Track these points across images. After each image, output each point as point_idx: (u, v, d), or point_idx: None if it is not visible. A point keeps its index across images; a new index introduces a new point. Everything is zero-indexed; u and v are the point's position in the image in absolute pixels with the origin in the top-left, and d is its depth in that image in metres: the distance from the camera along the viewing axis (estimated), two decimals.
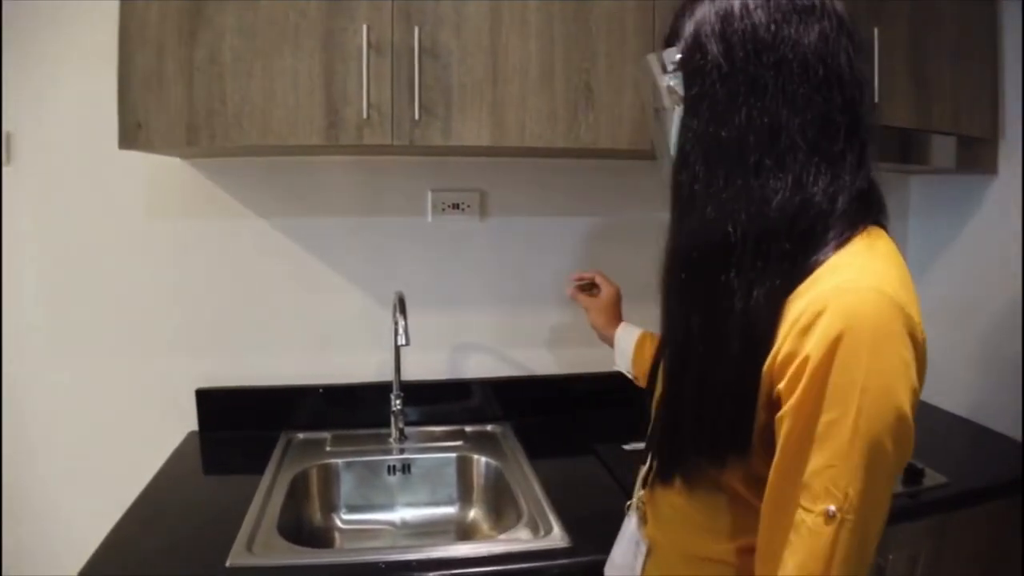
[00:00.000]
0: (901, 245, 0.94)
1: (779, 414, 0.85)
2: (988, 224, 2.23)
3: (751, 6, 0.89)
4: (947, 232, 2.35)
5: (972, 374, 2.25)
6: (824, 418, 0.82)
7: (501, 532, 1.59)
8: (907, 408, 0.82)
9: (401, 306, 1.79)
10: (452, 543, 1.75)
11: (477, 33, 1.66)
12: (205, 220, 2.01)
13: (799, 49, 0.88)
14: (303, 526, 1.75)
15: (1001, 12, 2.14)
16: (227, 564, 1.36)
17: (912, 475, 1.75)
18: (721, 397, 0.91)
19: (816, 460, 0.82)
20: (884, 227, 0.94)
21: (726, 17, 0.90)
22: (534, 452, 1.91)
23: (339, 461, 1.89)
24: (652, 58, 0.99)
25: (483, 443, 2.00)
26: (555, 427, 2.14)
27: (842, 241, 0.88)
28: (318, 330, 2.11)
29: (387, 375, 1.97)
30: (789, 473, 0.85)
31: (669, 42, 0.98)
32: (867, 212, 0.91)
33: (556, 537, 1.48)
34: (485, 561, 1.41)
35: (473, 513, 1.90)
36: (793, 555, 0.84)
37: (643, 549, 1.14)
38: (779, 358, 0.85)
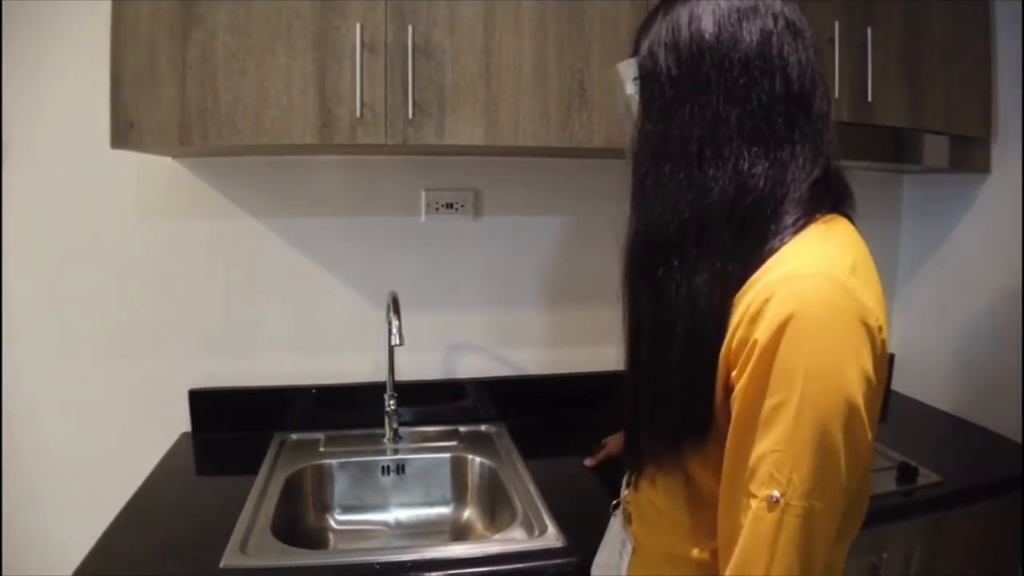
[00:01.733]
0: (894, 244, 0.95)
1: (731, 398, 0.87)
2: (981, 223, 2.23)
3: (697, 14, 0.94)
4: (940, 231, 2.36)
5: (965, 373, 2.26)
6: (769, 402, 0.83)
7: (496, 532, 1.59)
8: (856, 395, 0.82)
9: (395, 306, 1.79)
10: (447, 543, 1.75)
11: (471, 32, 1.66)
12: (198, 220, 2.00)
13: (739, 47, 0.92)
14: (297, 527, 1.74)
15: (994, 12, 2.14)
16: (221, 565, 1.35)
17: (906, 474, 1.76)
18: (672, 385, 0.94)
19: (761, 445, 0.84)
20: (848, 216, 0.96)
21: (675, 27, 0.95)
22: (528, 452, 1.91)
23: (333, 462, 1.88)
24: (618, 68, 1.06)
25: (477, 443, 2.00)
26: (549, 427, 2.13)
27: (796, 230, 0.89)
28: (311, 330, 2.10)
29: (381, 375, 1.96)
30: (738, 458, 0.87)
31: (632, 50, 1.04)
32: (823, 200, 0.93)
33: (551, 537, 1.48)
34: (480, 561, 1.41)
35: (468, 513, 1.90)
36: (741, 539, 0.86)
37: (628, 548, 1.15)
38: (733, 345, 0.87)
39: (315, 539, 1.79)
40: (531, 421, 2.14)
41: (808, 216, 0.90)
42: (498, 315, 2.21)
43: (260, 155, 1.98)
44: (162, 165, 1.95)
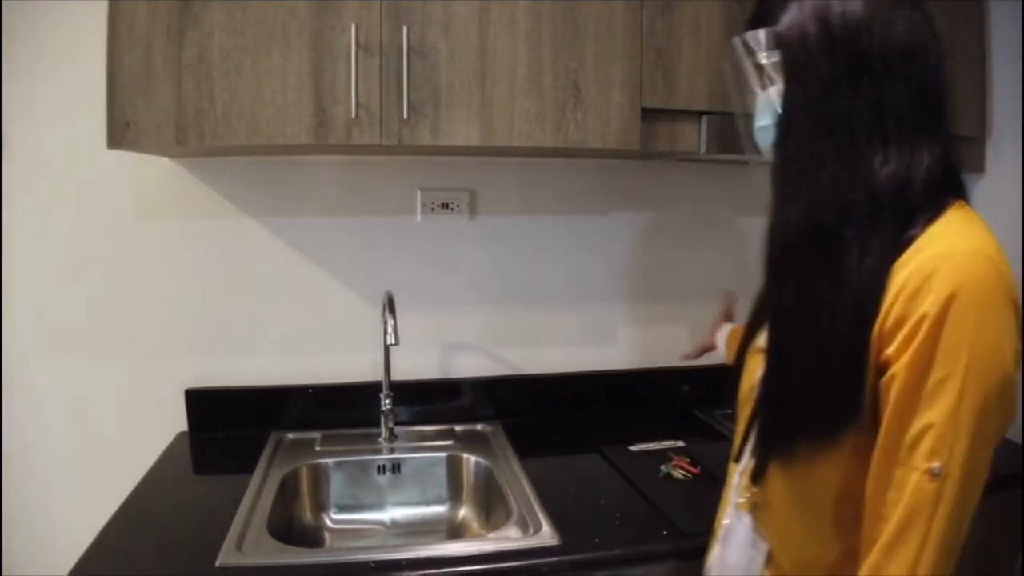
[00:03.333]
0: None
1: (889, 373, 0.89)
2: None
3: (843, 6, 0.95)
4: None
5: None
6: (933, 376, 0.86)
7: (491, 531, 1.59)
8: (1012, 368, 0.87)
9: (390, 305, 1.79)
10: (442, 542, 1.75)
11: (465, 33, 1.66)
12: (194, 220, 2.01)
13: (894, 33, 0.93)
14: (293, 526, 1.75)
15: (989, 11, 2.15)
16: (217, 564, 1.36)
17: None
18: (832, 368, 0.94)
19: (924, 418, 0.86)
20: (967, 203, 0.98)
21: (822, 23, 0.95)
22: (524, 451, 1.91)
23: (329, 461, 1.88)
24: (749, 37, 1.03)
25: (473, 442, 2.00)
26: (545, 427, 2.14)
27: (937, 213, 0.92)
28: (307, 330, 2.10)
29: (377, 375, 1.97)
30: (897, 432, 0.89)
31: (759, 23, 1.02)
32: (953, 189, 0.95)
33: (545, 535, 1.48)
34: (474, 560, 1.41)
35: (463, 512, 1.90)
36: (897, 512, 0.88)
37: (763, 548, 1.12)
38: (887, 324, 0.89)
39: (311, 538, 1.79)
40: (527, 420, 2.14)
41: (945, 201, 0.93)
42: (494, 315, 2.22)
43: (256, 155, 1.98)
44: (158, 165, 1.96)
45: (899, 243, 0.91)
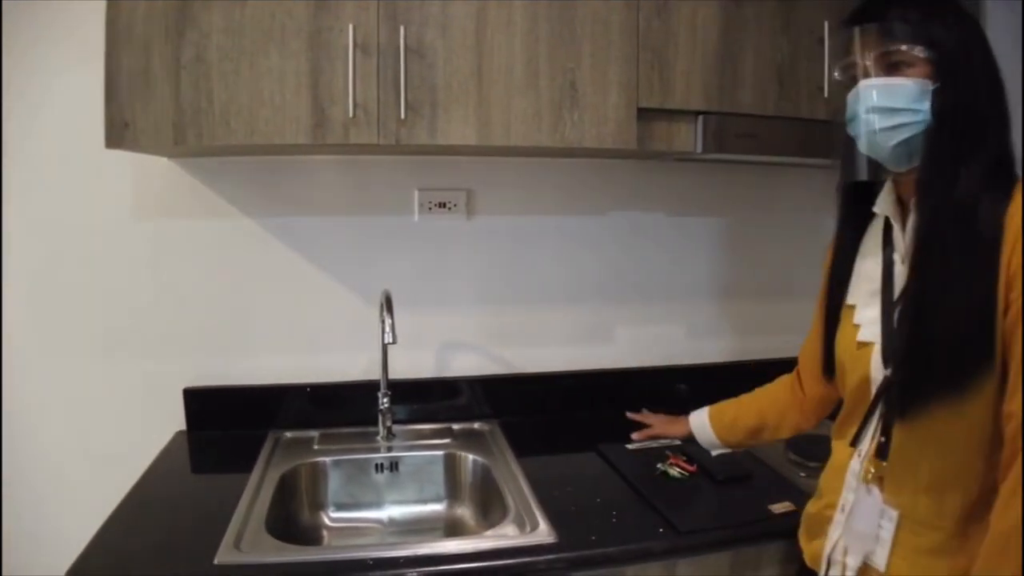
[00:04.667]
0: None
1: (1014, 310, 1.06)
2: None
3: (970, 20, 1.18)
4: None
5: None
6: None
7: (488, 529, 1.60)
8: None
9: (388, 305, 1.80)
10: (439, 540, 1.75)
11: (462, 33, 1.67)
12: (192, 219, 2.02)
13: (993, 64, 1.16)
14: (291, 524, 1.75)
15: (985, 12, 2.16)
16: (215, 562, 1.36)
17: None
18: (968, 314, 1.09)
19: None
20: None
21: (962, 23, 1.16)
22: (521, 450, 1.92)
23: (327, 459, 1.89)
24: (886, 27, 1.17)
25: (470, 441, 2.01)
26: (542, 425, 2.15)
27: (1013, 187, 1.11)
28: (305, 329, 2.11)
29: (374, 373, 1.97)
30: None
31: (903, 17, 1.16)
32: (1016, 169, 1.16)
33: (542, 533, 1.49)
34: (471, 557, 1.41)
35: (460, 510, 1.91)
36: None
37: (892, 515, 1.21)
38: (1011, 269, 1.06)
39: (309, 536, 1.80)
40: (524, 419, 2.15)
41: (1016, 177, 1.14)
42: (491, 313, 2.22)
43: (254, 155, 1.98)
44: (157, 164, 1.96)
45: (1004, 206, 1.08)
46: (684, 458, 1.80)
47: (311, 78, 1.61)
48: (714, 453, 1.75)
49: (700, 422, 1.73)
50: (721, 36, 1.83)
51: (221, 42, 1.58)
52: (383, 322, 1.78)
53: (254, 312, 2.08)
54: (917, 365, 1.15)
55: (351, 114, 1.61)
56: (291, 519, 1.77)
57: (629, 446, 1.92)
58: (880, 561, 1.21)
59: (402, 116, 1.63)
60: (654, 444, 1.90)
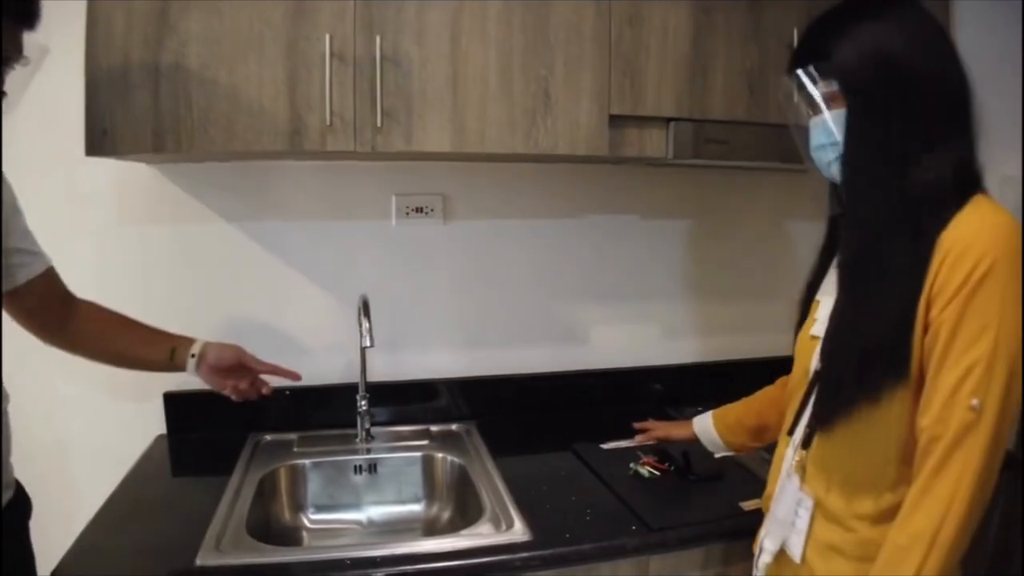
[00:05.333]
0: None
1: (935, 324, 1.07)
2: None
3: (896, 30, 1.13)
4: None
5: None
6: (975, 324, 1.04)
7: (466, 527, 1.62)
8: None
9: (365, 309, 1.82)
10: (416, 539, 1.77)
11: (438, 42, 1.70)
12: (173, 225, 2.03)
13: (931, 65, 1.12)
14: (271, 526, 1.77)
15: (954, 14, 2.20)
16: (196, 563, 1.38)
17: None
18: (884, 330, 1.12)
19: (965, 360, 1.04)
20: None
21: (880, 39, 1.13)
22: (498, 450, 1.94)
23: (306, 462, 1.91)
24: (803, 73, 1.20)
25: (448, 442, 2.03)
26: (518, 426, 2.17)
27: (965, 202, 1.10)
28: (285, 332, 2.13)
29: (353, 376, 1.99)
30: (942, 373, 1.06)
31: (818, 55, 1.17)
32: (975, 182, 1.14)
33: (517, 531, 1.51)
34: (448, 556, 1.44)
35: (439, 510, 1.93)
36: (942, 443, 1.05)
37: (808, 504, 1.25)
38: (935, 287, 1.07)
39: (289, 538, 1.81)
40: (501, 420, 2.18)
41: (971, 191, 1.11)
42: (468, 316, 2.25)
43: (233, 160, 2.00)
44: (137, 171, 1.97)
45: (940, 224, 1.08)
46: (656, 458, 1.83)
47: (288, 86, 1.63)
48: (718, 455, 1.77)
49: (704, 425, 1.74)
50: (692, 44, 1.86)
51: (200, 50, 1.59)
52: (361, 326, 1.80)
53: (233, 316, 2.09)
54: (831, 371, 1.20)
55: (328, 122, 1.63)
56: (271, 521, 1.79)
57: (604, 446, 1.95)
58: (795, 550, 1.26)
59: (378, 124, 1.66)
60: (629, 444, 1.92)
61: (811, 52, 1.19)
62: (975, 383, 1.03)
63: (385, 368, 2.10)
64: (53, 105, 1.88)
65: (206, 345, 1.70)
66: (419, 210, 2.16)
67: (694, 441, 1.75)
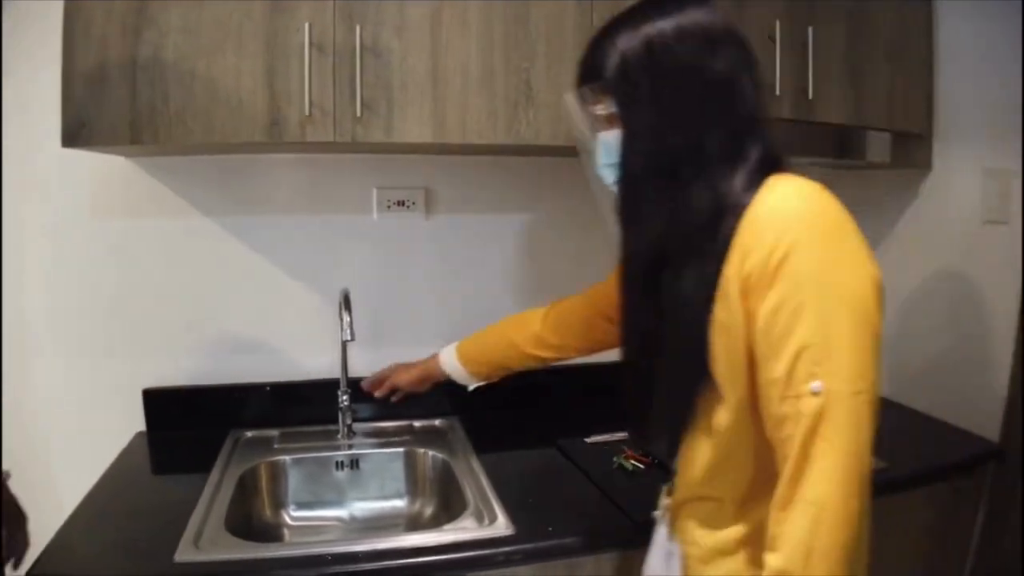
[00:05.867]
0: None
1: (754, 317, 0.97)
2: (923, 217, 2.29)
3: (671, 35, 1.03)
4: (882, 226, 2.41)
5: (903, 361, 2.31)
6: (789, 306, 0.93)
7: (448, 523, 1.61)
8: (859, 281, 0.95)
9: (346, 303, 1.81)
10: (399, 534, 1.76)
11: (418, 33, 1.68)
12: (151, 219, 2.01)
13: (712, 75, 1.03)
14: (252, 523, 1.76)
15: (936, 11, 2.20)
16: (175, 559, 1.36)
17: None
18: (679, 352, 1.07)
19: (791, 347, 0.93)
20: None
21: (650, 47, 1.04)
22: (481, 445, 1.94)
23: (287, 458, 1.89)
24: (575, 95, 1.15)
25: (431, 437, 2.02)
26: (501, 421, 2.16)
27: (755, 192, 1.00)
28: (265, 328, 2.11)
29: (335, 372, 1.98)
30: (773, 370, 0.95)
31: (591, 74, 1.11)
32: (770, 171, 1.03)
33: (500, 526, 1.50)
34: (430, 550, 1.43)
35: (422, 506, 1.92)
36: (795, 442, 0.92)
37: (676, 557, 1.20)
38: (744, 274, 0.97)
39: (270, 535, 1.80)
40: (484, 415, 2.16)
41: (760, 178, 1.01)
42: (450, 311, 2.23)
43: (213, 153, 1.98)
44: (114, 164, 1.95)
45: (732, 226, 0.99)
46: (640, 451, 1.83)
47: (267, 77, 1.61)
48: (470, 388, 1.79)
49: (448, 357, 1.78)
50: None
51: (178, 42, 1.57)
52: (342, 320, 1.78)
53: (213, 312, 2.08)
54: (637, 404, 1.23)
55: (307, 112, 1.61)
56: (251, 518, 1.78)
57: (588, 440, 1.94)
58: None
59: (358, 114, 1.64)
60: (610, 438, 1.92)
61: (587, 70, 1.13)
62: (809, 366, 0.91)
63: (367, 363, 2.07)
64: (28, 96, 1.86)
65: None
66: (401, 203, 2.14)
67: (442, 379, 1.79)
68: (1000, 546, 1.95)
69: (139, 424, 2.04)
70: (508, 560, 1.44)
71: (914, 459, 1.90)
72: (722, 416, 1.06)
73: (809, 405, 0.91)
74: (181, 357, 2.06)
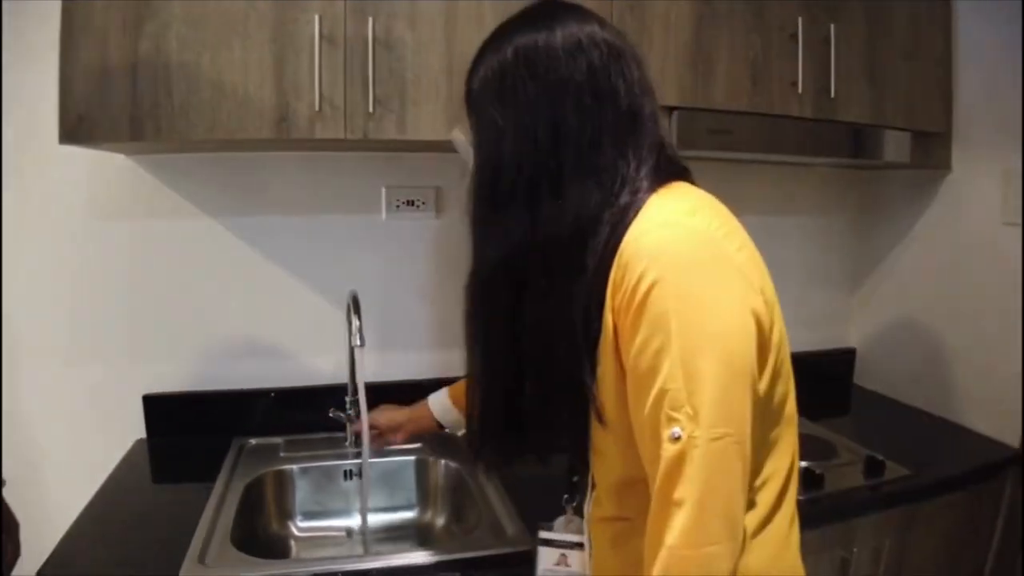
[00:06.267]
0: (856, 240, 0.97)
1: (623, 353, 0.92)
2: (942, 219, 2.26)
3: (521, 58, 0.99)
4: (902, 227, 2.38)
5: (926, 366, 2.29)
6: (651, 348, 0.87)
7: (463, 535, 1.55)
8: (727, 318, 0.88)
9: (355, 306, 1.74)
10: (412, 549, 1.70)
11: (431, 26, 1.64)
12: (152, 220, 1.95)
13: (567, 88, 0.97)
14: (258, 535, 1.70)
15: (955, 9, 2.16)
16: None
17: (873, 468, 1.77)
18: (554, 387, 1.01)
19: (654, 390, 0.87)
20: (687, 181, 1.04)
21: (500, 74, 1.01)
22: None
23: (294, 467, 1.84)
24: (457, 129, 1.15)
25: (442, 445, 1.95)
26: (515, 427, 2.10)
27: (636, 211, 0.95)
28: (270, 332, 2.06)
29: (342, 377, 1.92)
30: (640, 413, 0.90)
31: (465, 103, 1.10)
32: (657, 182, 0.99)
33: (519, 539, 1.45)
34: (446, 567, 1.38)
35: (433, 517, 1.87)
36: (655, 485, 0.88)
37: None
38: (617, 318, 0.92)
39: (276, 547, 1.74)
40: None
41: (646, 194, 0.96)
42: (460, 313, 2.16)
43: (216, 151, 1.93)
44: (113, 162, 1.89)
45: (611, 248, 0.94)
46: None
47: (275, 71, 1.56)
48: (460, 433, 1.67)
49: (438, 399, 1.67)
50: (694, 33, 1.82)
51: (182, 33, 1.52)
52: (350, 324, 1.72)
53: (216, 315, 2.02)
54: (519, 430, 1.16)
55: (317, 107, 1.56)
56: (257, 529, 1.72)
57: None
58: None
59: (370, 110, 1.59)
60: None
61: (465, 95, 1.11)
62: (668, 411, 0.86)
63: (374, 367, 2.02)
64: (25, 91, 1.80)
65: None
66: (410, 203, 2.09)
67: (433, 427, 1.69)
68: (1020, 551, 1.92)
69: (139, 431, 1.99)
70: None
71: (935, 465, 1.88)
72: (604, 438, 1.02)
73: (668, 451, 0.86)
74: (182, 361, 2.01)
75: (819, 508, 1.62)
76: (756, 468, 0.95)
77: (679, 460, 0.85)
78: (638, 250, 0.90)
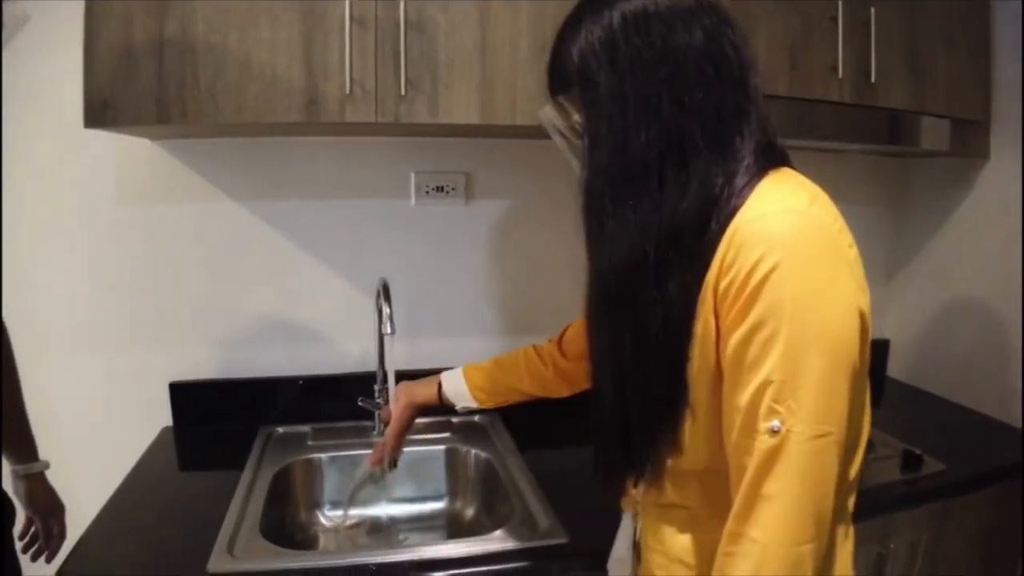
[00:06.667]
0: (893, 229, 0.93)
1: (724, 335, 0.88)
2: (980, 209, 2.22)
3: (632, 25, 0.92)
4: (939, 217, 2.34)
5: (962, 358, 2.25)
6: (760, 337, 0.84)
7: (494, 527, 1.52)
8: (840, 315, 0.85)
9: (385, 293, 1.71)
10: (443, 541, 1.69)
11: (464, 7, 1.59)
12: (177, 205, 1.93)
13: (687, 55, 0.91)
14: (286, 525, 1.69)
15: (994, 11, 2.12)
16: (208, 569, 1.29)
17: (910, 462, 1.74)
18: (653, 379, 0.96)
19: (756, 379, 0.85)
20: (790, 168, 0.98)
21: (610, 43, 0.93)
22: (524, 442, 1.86)
23: (322, 456, 1.82)
24: (548, 107, 1.08)
25: (471, 434, 1.94)
26: (544, 415, 2.06)
27: (750, 190, 0.90)
28: (297, 318, 2.04)
29: (370, 364, 1.90)
30: (737, 399, 0.87)
31: (557, 85, 1.03)
32: (767, 164, 0.93)
33: (553, 533, 1.42)
34: (480, 560, 1.35)
35: (462, 507, 1.85)
36: (746, 478, 0.86)
37: (637, 546, 1.16)
38: (718, 300, 0.88)
39: (305, 537, 1.73)
40: (526, 410, 2.07)
41: (757, 176, 0.91)
42: (490, 300, 2.16)
43: (242, 135, 1.90)
44: (139, 147, 1.87)
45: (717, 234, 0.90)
46: None
47: (304, 52, 1.52)
48: (459, 406, 1.59)
49: (457, 383, 1.58)
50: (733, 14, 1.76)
51: (208, 14, 1.48)
52: (380, 311, 1.69)
53: (243, 301, 2.00)
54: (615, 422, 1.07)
55: (347, 90, 1.52)
56: (285, 519, 1.70)
57: None
58: None
59: (402, 92, 1.55)
60: None
61: (552, 80, 1.05)
62: (770, 403, 0.84)
63: (402, 355, 2.00)
64: (49, 75, 1.77)
65: None
66: (440, 189, 2.06)
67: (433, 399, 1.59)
68: None
69: (165, 418, 1.97)
70: (563, 570, 1.36)
71: (971, 460, 1.85)
72: (691, 428, 0.97)
73: (765, 443, 0.84)
74: (209, 349, 1.99)
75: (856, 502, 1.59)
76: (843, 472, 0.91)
77: (775, 454, 0.83)
78: (755, 232, 0.85)
